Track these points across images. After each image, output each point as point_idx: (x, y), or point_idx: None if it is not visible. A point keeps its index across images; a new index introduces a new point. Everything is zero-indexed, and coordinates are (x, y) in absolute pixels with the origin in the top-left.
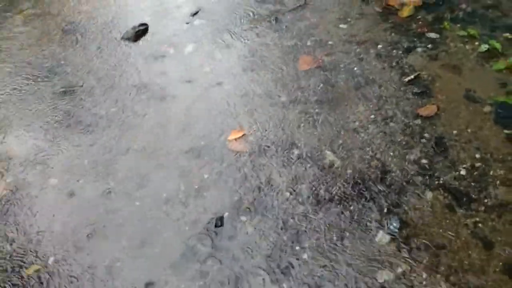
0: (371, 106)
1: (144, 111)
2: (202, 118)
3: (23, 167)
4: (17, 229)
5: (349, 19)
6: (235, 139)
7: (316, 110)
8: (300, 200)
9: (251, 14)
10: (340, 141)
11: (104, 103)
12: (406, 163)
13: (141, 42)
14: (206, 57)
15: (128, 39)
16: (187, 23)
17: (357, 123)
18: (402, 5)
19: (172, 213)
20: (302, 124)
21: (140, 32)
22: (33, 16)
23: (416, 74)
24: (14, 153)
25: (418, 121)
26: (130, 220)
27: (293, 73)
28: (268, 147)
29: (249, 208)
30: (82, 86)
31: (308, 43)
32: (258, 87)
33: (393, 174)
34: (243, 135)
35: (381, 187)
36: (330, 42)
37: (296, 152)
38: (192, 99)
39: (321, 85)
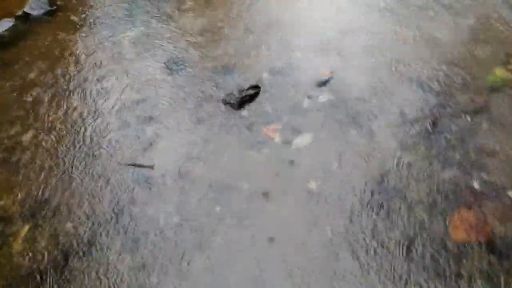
0: None
1: (209, 240)
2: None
3: None
4: None
5: None
6: None
7: None
8: None
9: (402, 104)
10: None
11: (163, 205)
12: None
13: (244, 111)
14: (318, 163)
15: (230, 104)
16: (309, 97)
17: None
18: None
19: None
20: None
21: (248, 98)
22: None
23: None
24: None
25: None
26: None
27: (442, 242)
28: None
29: None
30: (152, 167)
31: (475, 185)
32: (387, 253)
33: None
34: None
35: None
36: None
37: None
38: (284, 240)
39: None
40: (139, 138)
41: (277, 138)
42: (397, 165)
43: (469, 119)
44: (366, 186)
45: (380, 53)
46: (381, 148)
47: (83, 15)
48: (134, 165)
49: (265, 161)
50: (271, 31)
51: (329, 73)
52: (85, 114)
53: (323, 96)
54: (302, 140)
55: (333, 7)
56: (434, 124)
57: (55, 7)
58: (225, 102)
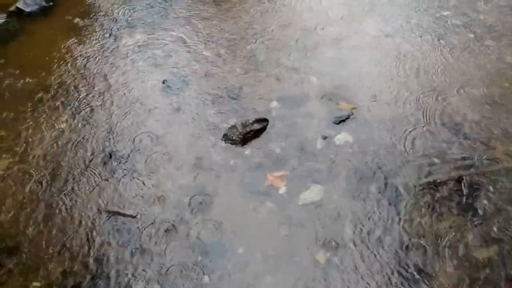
0: None
1: None
2: None
3: None
4: None
5: None
6: None
7: None
8: None
9: (433, 154)
10: None
11: (144, 266)
12: None
13: (248, 150)
14: (329, 228)
15: (232, 141)
16: (325, 137)
17: None
18: None
19: None
20: None
21: (253, 133)
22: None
23: None
24: None
25: None
26: None
27: None
28: None
29: None
30: (135, 217)
31: None
32: None
33: None
34: None
35: None
36: None
37: None
38: None
39: None
40: (121, 177)
41: (282, 189)
42: (425, 237)
43: (509, 181)
44: (383, 267)
45: (411, 87)
46: (406, 212)
47: (81, 15)
48: (116, 213)
49: (267, 219)
50: (286, 51)
51: (349, 108)
52: (67, 141)
53: (340, 137)
54: (311, 195)
55: (359, 32)
56: (469, 185)
57: (51, 3)
58: (226, 138)
